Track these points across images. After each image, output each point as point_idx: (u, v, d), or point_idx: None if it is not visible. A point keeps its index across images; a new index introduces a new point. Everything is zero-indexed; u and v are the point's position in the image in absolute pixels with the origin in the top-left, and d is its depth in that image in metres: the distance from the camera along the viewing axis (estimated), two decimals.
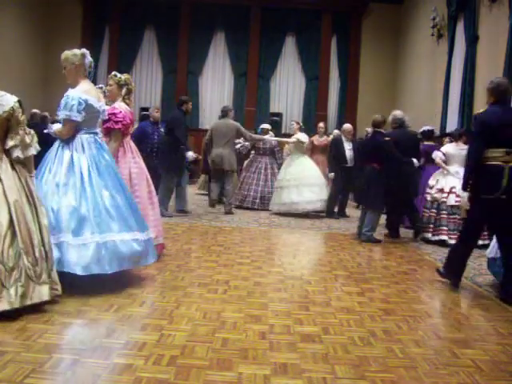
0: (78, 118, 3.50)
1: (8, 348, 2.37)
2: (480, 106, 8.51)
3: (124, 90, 4.39)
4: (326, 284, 3.94)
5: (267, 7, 14.21)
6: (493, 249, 4.16)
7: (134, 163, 4.33)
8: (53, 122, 4.14)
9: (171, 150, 6.95)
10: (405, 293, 3.82)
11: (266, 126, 9.27)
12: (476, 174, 3.82)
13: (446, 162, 6.21)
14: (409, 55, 13.24)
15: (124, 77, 4.43)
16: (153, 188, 4.55)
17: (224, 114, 7.99)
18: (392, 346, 2.70)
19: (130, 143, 4.45)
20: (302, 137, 8.26)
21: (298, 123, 8.68)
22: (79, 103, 3.49)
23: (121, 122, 4.18)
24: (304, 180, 7.88)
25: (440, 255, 5.38)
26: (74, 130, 3.55)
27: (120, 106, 4.29)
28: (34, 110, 9.84)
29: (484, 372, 2.43)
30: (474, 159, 3.81)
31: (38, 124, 9.44)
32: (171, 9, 14.21)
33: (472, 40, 8.85)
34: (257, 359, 2.44)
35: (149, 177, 4.53)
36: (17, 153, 2.98)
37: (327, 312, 3.24)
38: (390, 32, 14.14)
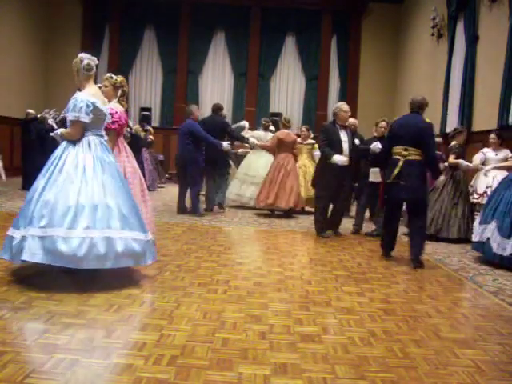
0: (86, 119, 3.63)
1: (8, 348, 2.37)
2: (480, 105, 8.53)
3: (119, 92, 4.55)
4: (326, 284, 3.95)
5: (267, 7, 14.19)
6: (476, 235, 5.11)
7: (127, 162, 4.51)
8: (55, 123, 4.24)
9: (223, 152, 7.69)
10: (405, 293, 3.82)
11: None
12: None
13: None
14: (409, 55, 13.23)
15: (119, 79, 4.58)
16: (145, 187, 4.71)
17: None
18: (392, 345, 2.70)
19: (124, 143, 4.63)
20: (260, 136, 8.61)
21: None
22: (87, 105, 3.63)
23: (117, 122, 4.31)
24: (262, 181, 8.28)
25: (440, 255, 5.39)
26: (82, 130, 3.66)
27: (115, 106, 4.44)
28: (29, 110, 10.18)
29: (484, 372, 2.43)
30: (383, 153, 5.13)
31: (30, 122, 9.69)
32: (171, 8, 14.19)
33: (472, 40, 8.84)
34: (257, 359, 2.44)
35: (141, 176, 4.68)
36: None
37: (327, 312, 3.24)
38: (390, 32, 14.13)
